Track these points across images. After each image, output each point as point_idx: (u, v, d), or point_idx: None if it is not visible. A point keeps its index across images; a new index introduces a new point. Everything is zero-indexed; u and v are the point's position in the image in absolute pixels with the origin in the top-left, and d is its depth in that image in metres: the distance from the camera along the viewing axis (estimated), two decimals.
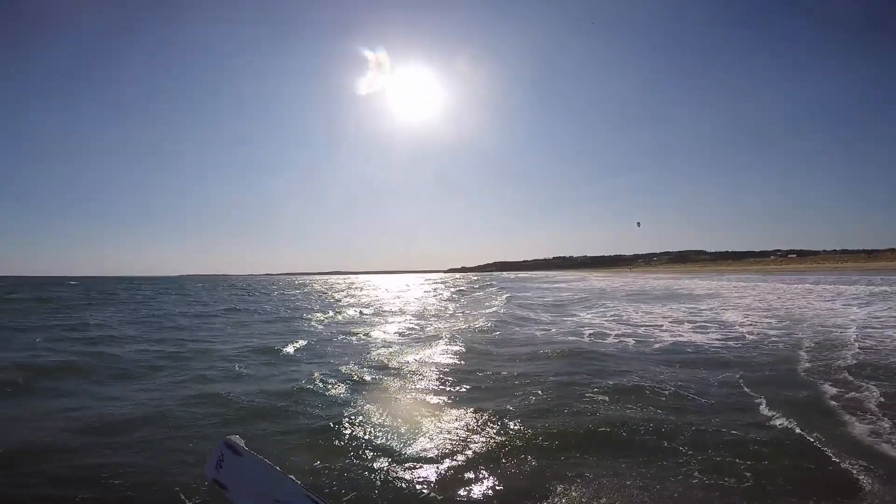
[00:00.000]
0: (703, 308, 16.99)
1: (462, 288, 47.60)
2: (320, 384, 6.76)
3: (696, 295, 23.96)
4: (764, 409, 5.17)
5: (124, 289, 52.51)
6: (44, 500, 3.54)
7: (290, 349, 10.12)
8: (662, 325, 13.01)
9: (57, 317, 18.32)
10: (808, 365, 7.30)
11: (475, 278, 71.92)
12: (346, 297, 36.33)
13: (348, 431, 4.82)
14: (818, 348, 8.64)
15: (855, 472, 3.62)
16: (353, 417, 5.23)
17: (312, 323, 16.40)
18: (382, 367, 8.08)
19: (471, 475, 3.79)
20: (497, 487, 3.59)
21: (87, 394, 6.66)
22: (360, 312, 20.95)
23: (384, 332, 13.02)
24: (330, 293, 42.94)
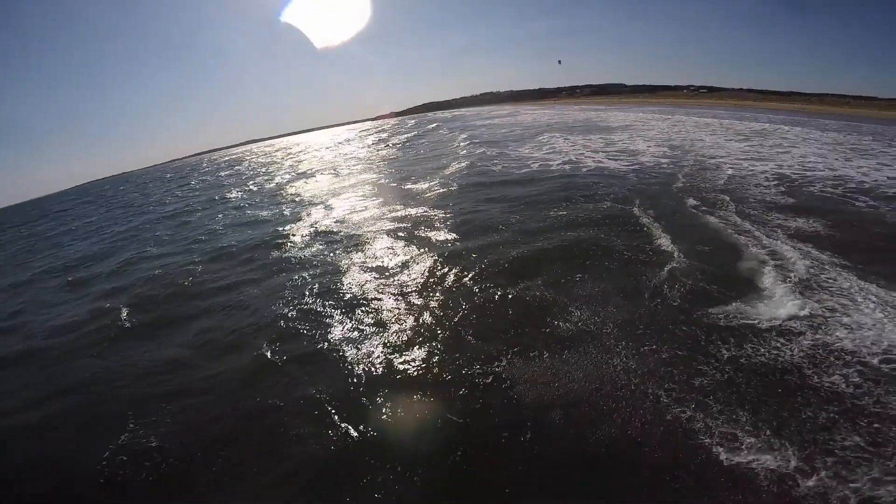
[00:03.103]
0: (616, 139, 21.22)
1: (407, 135, 45.19)
2: (385, 237, 10.76)
3: (612, 127, 28.07)
4: (639, 212, 9.39)
5: (55, 212, 42.91)
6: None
7: (325, 224, 13.29)
8: (585, 153, 17.25)
9: (37, 258, 16.75)
10: (681, 185, 11.49)
11: (412, 122, 70.99)
12: (296, 162, 36.37)
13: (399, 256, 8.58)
14: (693, 174, 12.73)
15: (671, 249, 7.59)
16: (402, 251, 8.97)
17: (299, 192, 18.82)
18: (404, 211, 11.82)
19: (499, 255, 7.76)
20: (508, 264, 7.62)
21: (237, 304, 8.14)
22: (325, 173, 23.41)
23: (381, 189, 16.15)
24: (277, 162, 41.32)
